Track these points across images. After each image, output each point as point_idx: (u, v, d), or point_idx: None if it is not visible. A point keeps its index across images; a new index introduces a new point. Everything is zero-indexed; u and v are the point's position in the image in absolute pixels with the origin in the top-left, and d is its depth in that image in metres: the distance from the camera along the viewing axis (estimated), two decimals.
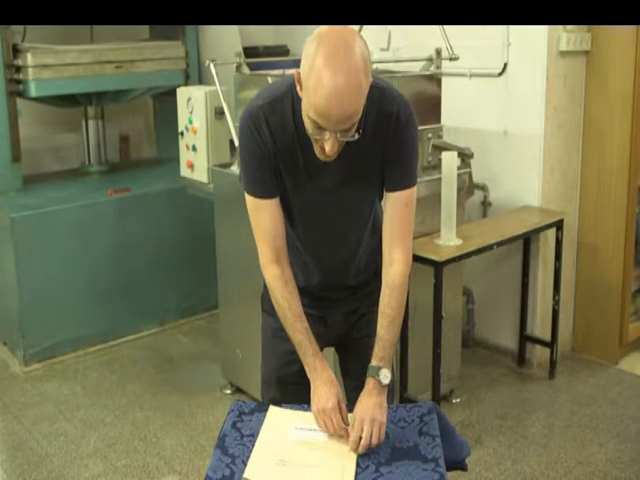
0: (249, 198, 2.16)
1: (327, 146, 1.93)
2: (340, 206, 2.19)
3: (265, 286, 2.35)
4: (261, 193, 2.13)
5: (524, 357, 4.51)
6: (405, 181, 2.16)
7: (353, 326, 2.39)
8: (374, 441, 1.98)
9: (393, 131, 2.08)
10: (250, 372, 2.62)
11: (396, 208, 2.16)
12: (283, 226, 2.18)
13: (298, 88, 1.94)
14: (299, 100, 1.97)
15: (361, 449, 1.97)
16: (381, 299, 2.19)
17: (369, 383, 2.11)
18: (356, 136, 1.94)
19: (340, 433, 2.04)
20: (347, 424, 2.04)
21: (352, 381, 2.39)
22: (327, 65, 1.81)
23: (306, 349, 2.15)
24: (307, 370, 2.16)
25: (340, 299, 2.37)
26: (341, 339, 2.43)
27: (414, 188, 2.18)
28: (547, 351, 4.37)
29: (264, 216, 2.15)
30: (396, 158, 2.12)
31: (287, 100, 2.06)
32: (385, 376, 2.12)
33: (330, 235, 2.24)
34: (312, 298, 2.32)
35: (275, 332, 2.38)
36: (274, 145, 2.07)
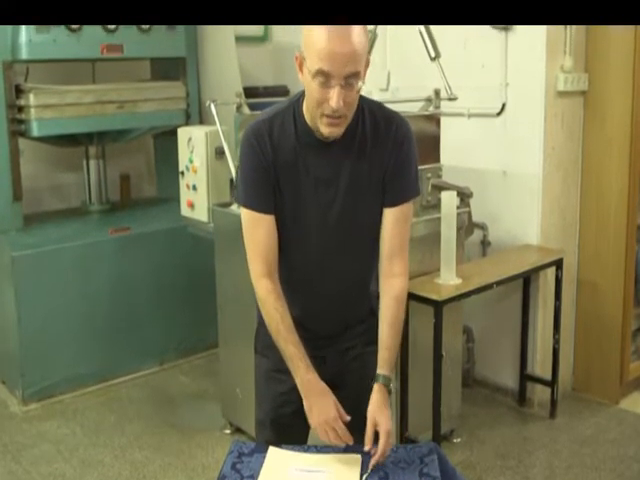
0: (246, 212, 2.19)
1: (334, 98, 1.96)
2: (341, 232, 2.19)
3: (258, 325, 2.38)
4: (259, 206, 2.17)
5: (525, 396, 4.49)
6: (406, 194, 2.21)
7: (347, 365, 2.36)
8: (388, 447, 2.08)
9: (392, 141, 2.15)
10: (250, 412, 2.60)
11: (397, 223, 2.21)
12: (277, 243, 2.19)
13: (299, 73, 2.03)
14: (300, 114, 2.10)
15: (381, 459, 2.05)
16: (386, 310, 2.23)
17: (381, 392, 2.17)
18: (360, 85, 1.99)
19: (347, 441, 2.07)
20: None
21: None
22: (321, 25, 1.94)
23: (298, 361, 2.15)
24: (299, 384, 2.16)
25: (336, 335, 2.35)
26: (336, 378, 2.37)
27: (412, 202, 2.23)
28: (548, 390, 4.35)
29: (260, 230, 2.18)
30: (397, 170, 2.17)
31: (288, 114, 2.15)
32: (392, 386, 2.21)
33: (328, 263, 2.24)
34: (307, 333, 2.30)
35: (268, 374, 2.39)
36: (275, 159, 2.13)
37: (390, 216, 2.20)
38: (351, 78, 1.96)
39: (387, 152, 2.16)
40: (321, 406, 2.11)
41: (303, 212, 2.18)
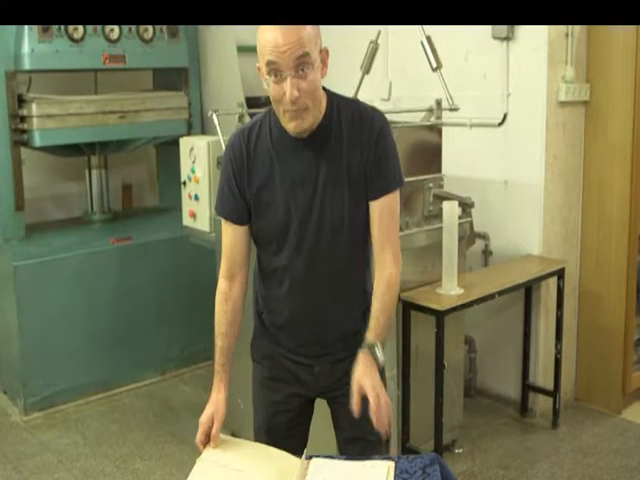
0: (219, 216, 2.32)
1: (287, 89, 1.99)
2: (324, 230, 2.19)
3: (254, 334, 2.44)
4: (227, 215, 2.27)
5: (527, 406, 4.48)
6: (389, 185, 2.20)
7: (341, 379, 2.30)
8: (383, 406, 2.03)
9: (369, 136, 2.15)
10: (252, 422, 2.61)
11: (383, 214, 2.21)
12: (243, 251, 2.29)
13: (262, 78, 2.07)
14: (275, 118, 2.14)
15: (376, 420, 2.02)
16: (377, 291, 2.23)
17: (364, 359, 2.12)
18: (310, 71, 2.01)
19: (197, 441, 2.17)
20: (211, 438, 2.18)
21: (343, 434, 2.39)
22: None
23: (216, 364, 2.33)
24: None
25: (327, 345, 2.34)
26: (330, 391, 2.38)
27: (397, 192, 2.23)
28: (550, 400, 4.35)
29: (227, 237, 2.29)
30: (377, 163, 2.17)
31: (265, 121, 2.21)
32: (381, 354, 2.14)
33: (314, 265, 2.24)
34: (295, 340, 2.32)
35: (263, 381, 2.42)
36: (251, 167, 2.19)
37: (376, 208, 2.20)
38: (301, 65, 1.99)
39: (365, 147, 2.16)
40: (205, 410, 2.24)
41: (284, 213, 2.19)
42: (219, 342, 2.34)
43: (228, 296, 2.33)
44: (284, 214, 2.18)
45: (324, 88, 2.17)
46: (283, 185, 2.17)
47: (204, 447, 2.18)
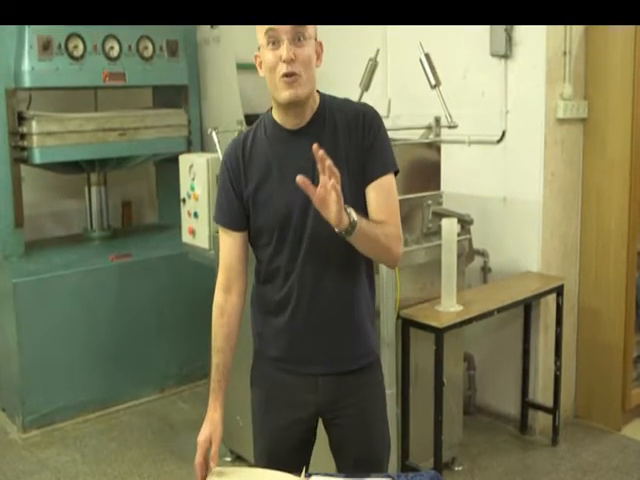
0: (218, 226, 2.34)
1: (284, 51, 2.07)
2: (321, 219, 2.10)
3: (254, 356, 2.42)
4: (223, 221, 2.30)
5: (526, 424, 4.47)
6: (385, 167, 2.21)
7: (345, 396, 2.30)
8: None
9: (364, 131, 2.19)
10: (251, 440, 2.59)
11: (380, 194, 2.20)
12: (240, 260, 2.31)
13: (260, 70, 2.18)
14: (270, 117, 2.24)
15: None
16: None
17: None
18: (305, 43, 2.10)
19: (197, 463, 2.16)
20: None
21: (348, 453, 2.35)
22: None
23: (212, 381, 2.35)
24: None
25: (329, 358, 2.30)
26: (331, 410, 2.34)
27: (392, 175, 2.23)
28: (549, 417, 4.34)
29: (224, 245, 2.31)
30: (373, 152, 2.19)
31: (260, 125, 2.28)
32: (354, 217, 2.01)
33: (312, 257, 2.22)
34: (297, 353, 2.30)
35: (261, 406, 2.41)
36: (248, 166, 2.23)
37: (371, 191, 2.20)
38: (298, 34, 2.08)
39: (360, 136, 2.19)
40: (201, 429, 2.24)
41: (284, 205, 2.19)
42: (215, 359, 2.35)
43: (224, 309, 2.35)
44: (284, 205, 2.19)
45: (317, 91, 2.24)
46: (281, 177, 2.19)
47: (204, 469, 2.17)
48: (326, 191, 1.89)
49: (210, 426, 2.25)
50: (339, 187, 1.90)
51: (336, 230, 1.98)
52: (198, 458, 2.17)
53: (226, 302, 2.34)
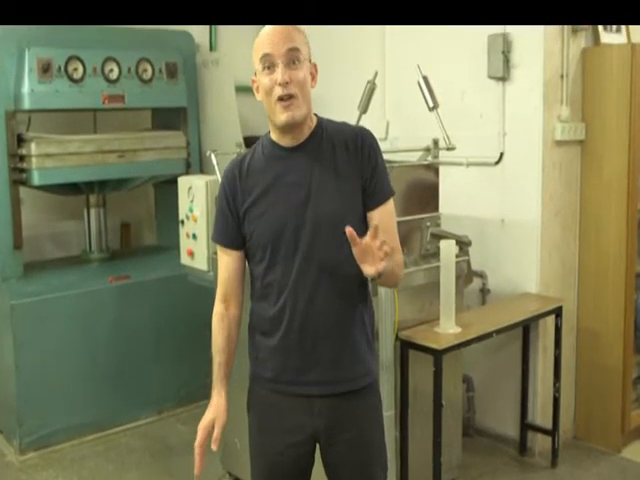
0: (215, 243, 2.42)
1: (279, 74, 2.14)
2: (315, 230, 2.21)
3: (249, 380, 2.43)
4: (221, 240, 2.38)
5: (525, 445, 4.46)
6: (385, 194, 2.29)
7: (342, 420, 2.29)
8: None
9: (362, 153, 2.25)
10: (248, 462, 2.59)
11: (383, 218, 2.24)
12: (237, 276, 2.39)
13: (256, 94, 2.25)
14: (267, 138, 2.31)
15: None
16: None
17: None
18: (300, 66, 2.17)
19: (197, 446, 2.28)
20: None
21: (343, 478, 2.34)
22: None
23: (214, 380, 2.40)
24: (210, 403, 2.39)
25: (326, 381, 2.29)
26: (328, 433, 2.32)
27: (391, 201, 2.31)
28: (549, 439, 4.33)
29: (222, 262, 2.40)
30: (373, 176, 2.25)
31: (258, 145, 2.35)
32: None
33: (306, 270, 2.24)
34: (292, 374, 2.30)
35: (257, 430, 2.42)
36: (245, 184, 2.28)
37: (375, 215, 2.26)
38: (292, 58, 2.16)
39: (360, 164, 2.25)
40: (205, 415, 2.31)
41: (278, 218, 2.23)
42: (217, 358, 2.39)
43: (224, 315, 2.41)
44: (277, 219, 2.23)
45: (315, 114, 2.31)
46: (277, 192, 2.24)
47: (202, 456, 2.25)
48: (369, 249, 1.98)
49: (213, 411, 2.32)
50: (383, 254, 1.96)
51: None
52: (199, 441, 2.26)
53: (226, 309, 2.42)
